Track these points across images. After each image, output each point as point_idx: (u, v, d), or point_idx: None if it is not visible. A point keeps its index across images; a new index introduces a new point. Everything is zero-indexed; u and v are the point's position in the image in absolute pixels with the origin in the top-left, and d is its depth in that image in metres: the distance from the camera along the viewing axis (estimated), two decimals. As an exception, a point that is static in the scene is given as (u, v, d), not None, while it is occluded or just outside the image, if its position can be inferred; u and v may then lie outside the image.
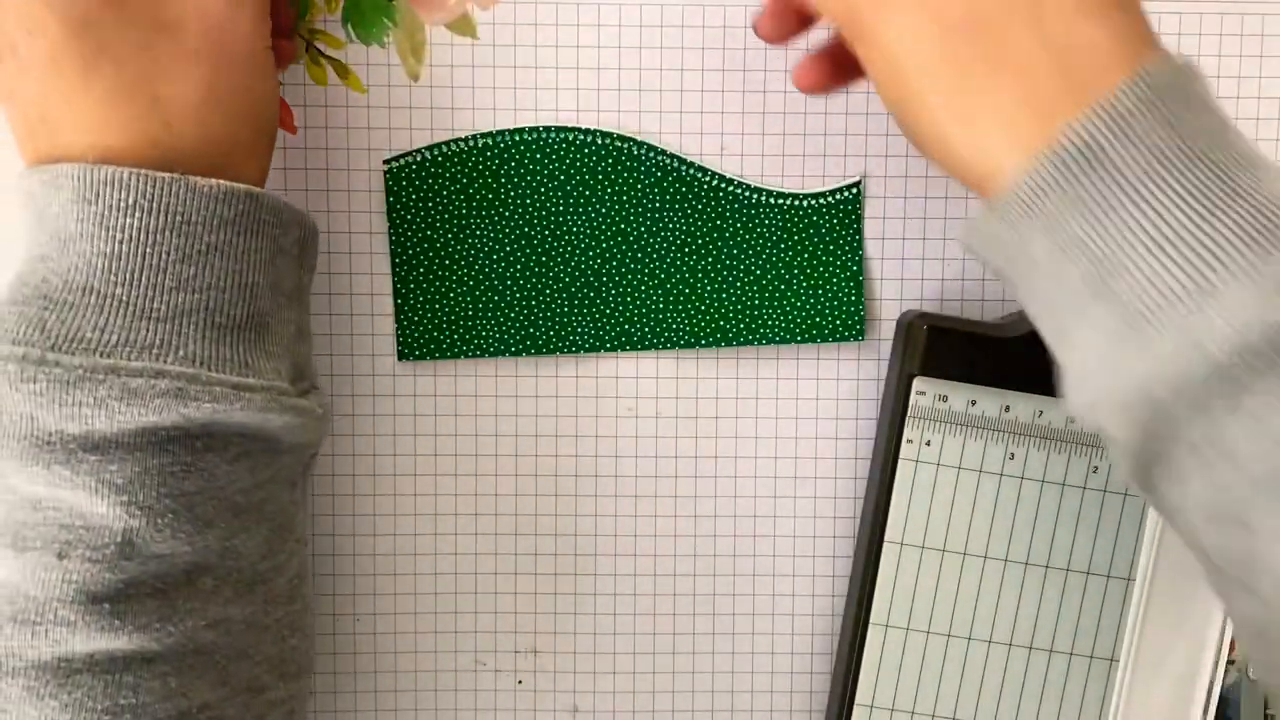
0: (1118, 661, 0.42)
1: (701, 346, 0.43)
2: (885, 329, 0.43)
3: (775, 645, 0.45)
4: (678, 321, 0.43)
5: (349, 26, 0.42)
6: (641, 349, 0.43)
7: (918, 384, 0.41)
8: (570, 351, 0.43)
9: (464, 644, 0.44)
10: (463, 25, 0.42)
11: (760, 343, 0.43)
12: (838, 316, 0.43)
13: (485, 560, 0.44)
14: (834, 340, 0.43)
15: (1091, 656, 0.42)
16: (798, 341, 0.43)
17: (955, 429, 0.41)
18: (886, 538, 0.41)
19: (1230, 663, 0.42)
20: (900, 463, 0.41)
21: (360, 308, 0.43)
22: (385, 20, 0.42)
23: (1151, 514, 0.41)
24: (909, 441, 0.41)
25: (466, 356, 0.43)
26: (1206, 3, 0.43)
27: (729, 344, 0.43)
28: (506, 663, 0.44)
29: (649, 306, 0.43)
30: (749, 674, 0.45)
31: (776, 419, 0.44)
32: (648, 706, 0.45)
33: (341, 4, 0.42)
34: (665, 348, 0.43)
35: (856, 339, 0.43)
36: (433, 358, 0.43)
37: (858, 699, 0.41)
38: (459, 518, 0.44)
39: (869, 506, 0.42)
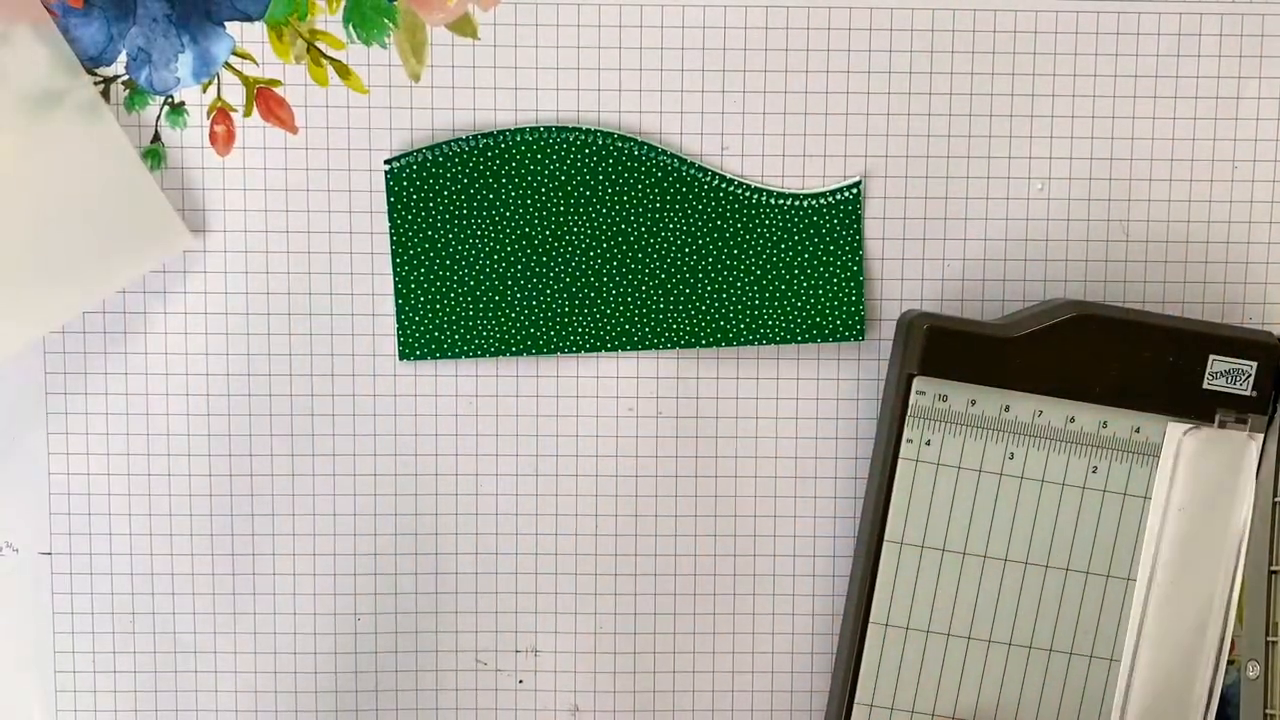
0: (1118, 661, 0.42)
1: (701, 346, 0.43)
2: (885, 329, 0.44)
3: (775, 645, 0.45)
4: (678, 321, 0.43)
5: (350, 27, 0.42)
6: (641, 349, 0.43)
7: (918, 384, 0.41)
8: (570, 351, 0.43)
9: (464, 644, 0.44)
10: (463, 25, 0.42)
11: (760, 343, 0.43)
12: (838, 316, 0.43)
13: (485, 560, 0.44)
14: (834, 340, 0.43)
15: (1091, 656, 0.42)
16: (798, 341, 0.43)
17: (955, 428, 0.41)
18: (886, 537, 0.41)
19: (1230, 663, 0.42)
20: (900, 462, 0.41)
21: (360, 308, 0.43)
22: (386, 21, 0.42)
23: (1152, 514, 0.41)
24: (909, 441, 0.41)
25: (466, 356, 0.43)
26: (1206, 3, 0.43)
27: (729, 344, 0.43)
28: (506, 663, 0.44)
29: (649, 306, 0.43)
30: (749, 674, 0.45)
31: (776, 419, 0.44)
32: (648, 706, 0.45)
33: (342, 5, 0.42)
34: (665, 348, 0.43)
35: (856, 339, 0.43)
36: (433, 358, 0.43)
37: (858, 699, 0.41)
38: (459, 517, 0.44)
39: (869, 506, 0.42)
